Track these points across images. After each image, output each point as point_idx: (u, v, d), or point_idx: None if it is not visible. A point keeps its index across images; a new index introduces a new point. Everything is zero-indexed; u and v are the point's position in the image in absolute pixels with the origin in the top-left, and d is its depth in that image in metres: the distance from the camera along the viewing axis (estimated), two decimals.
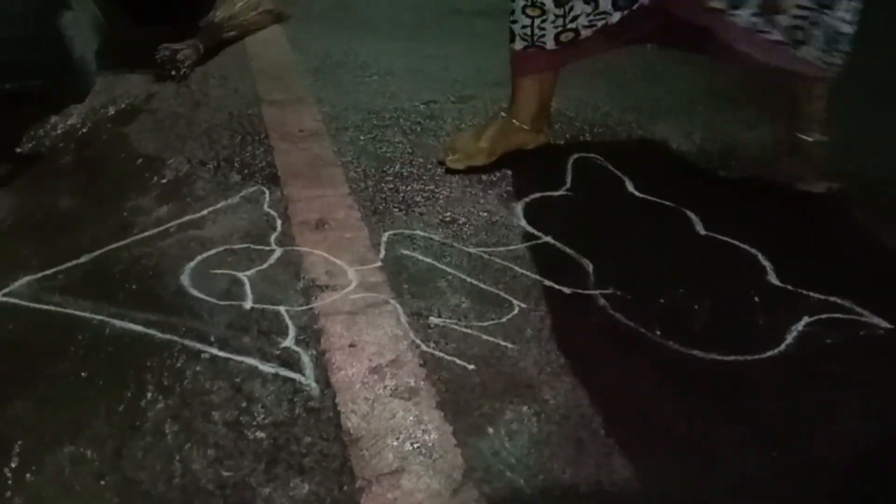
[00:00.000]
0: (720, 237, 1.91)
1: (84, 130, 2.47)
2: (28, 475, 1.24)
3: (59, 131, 2.43)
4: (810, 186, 2.11)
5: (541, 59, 2.15)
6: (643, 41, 2.36)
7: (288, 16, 3.62)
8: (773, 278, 1.77)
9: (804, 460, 1.30)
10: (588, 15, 2.05)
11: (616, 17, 2.05)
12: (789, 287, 1.73)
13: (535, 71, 2.20)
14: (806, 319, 1.63)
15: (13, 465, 1.26)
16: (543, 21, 2.05)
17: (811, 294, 1.71)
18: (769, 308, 1.67)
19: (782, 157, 2.19)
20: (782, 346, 1.56)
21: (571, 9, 2.02)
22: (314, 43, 3.31)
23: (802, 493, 1.25)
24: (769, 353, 1.54)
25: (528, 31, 2.08)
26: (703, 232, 1.94)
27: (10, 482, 1.23)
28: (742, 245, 1.88)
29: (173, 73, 2.85)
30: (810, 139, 2.12)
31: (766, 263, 1.81)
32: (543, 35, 2.08)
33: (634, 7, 2.03)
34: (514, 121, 2.27)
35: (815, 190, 2.11)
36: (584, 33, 2.09)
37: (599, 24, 2.07)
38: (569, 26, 2.06)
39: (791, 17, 1.92)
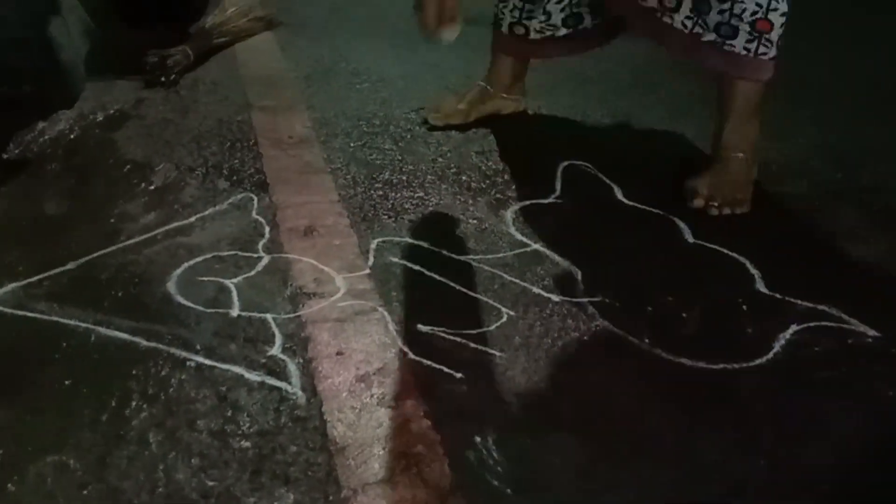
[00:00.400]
0: (709, 245, 1.92)
1: (72, 136, 2.46)
2: (9, 485, 1.23)
3: (46, 137, 2.42)
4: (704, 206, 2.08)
5: (499, 40, 2.52)
6: (596, 45, 2.59)
7: (279, 22, 3.62)
8: (761, 286, 1.77)
9: (794, 469, 1.30)
10: (540, 21, 2.38)
11: (562, 32, 2.40)
12: (777, 295, 1.73)
13: (497, 49, 2.55)
14: (794, 327, 1.63)
15: None
16: (504, 7, 2.43)
17: (799, 302, 1.71)
18: (757, 316, 1.67)
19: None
20: (770, 354, 1.56)
21: (531, 9, 2.36)
22: (305, 49, 3.30)
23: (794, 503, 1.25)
24: (757, 361, 1.54)
25: (495, 11, 2.48)
26: (691, 240, 1.94)
27: None
28: (730, 253, 1.88)
29: (163, 79, 2.84)
30: (734, 155, 2.11)
31: (754, 271, 1.82)
32: (502, 19, 2.46)
33: (580, 27, 2.39)
34: (489, 88, 2.58)
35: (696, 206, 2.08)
36: (533, 36, 2.42)
37: (547, 33, 2.41)
38: (522, 21, 2.41)
39: (717, 13, 1.97)
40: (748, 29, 1.97)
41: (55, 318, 1.60)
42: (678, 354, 1.55)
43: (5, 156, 2.32)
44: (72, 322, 1.60)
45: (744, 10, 1.94)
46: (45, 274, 1.75)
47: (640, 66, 3.14)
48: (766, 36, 1.97)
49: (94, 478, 1.25)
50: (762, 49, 1.99)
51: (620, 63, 3.21)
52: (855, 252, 1.91)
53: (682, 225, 1.99)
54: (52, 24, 2.41)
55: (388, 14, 3.92)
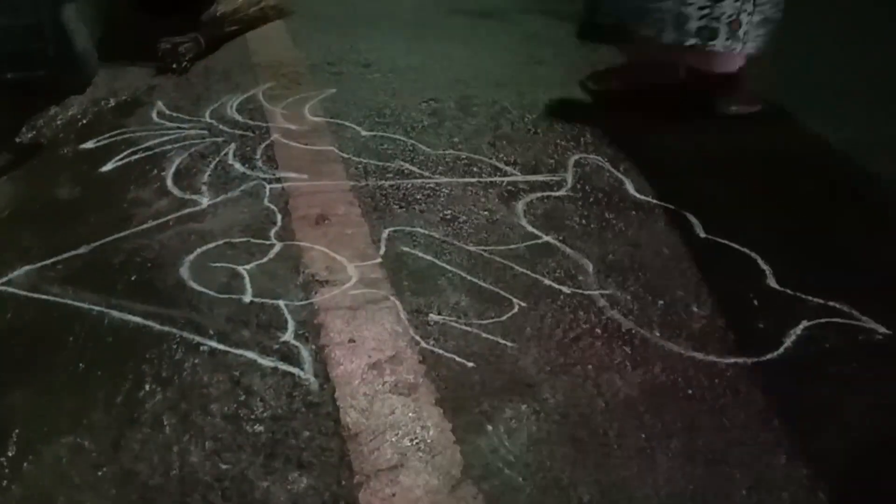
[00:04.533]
0: (720, 240, 1.91)
1: (84, 121, 2.46)
2: (26, 464, 1.24)
3: (59, 122, 2.43)
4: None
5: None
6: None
7: (291, 11, 3.62)
8: (772, 282, 1.77)
9: (807, 462, 1.30)
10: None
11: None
12: (788, 291, 1.73)
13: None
14: (805, 323, 1.63)
15: (10, 454, 1.26)
16: None
17: (810, 298, 1.71)
18: (768, 311, 1.67)
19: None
20: (781, 350, 1.56)
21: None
22: (317, 39, 3.30)
23: (812, 500, 1.25)
24: (768, 357, 1.54)
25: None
26: (703, 234, 1.94)
27: (7, 471, 1.23)
28: (742, 248, 1.88)
29: (174, 66, 2.85)
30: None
31: (765, 267, 1.81)
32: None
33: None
34: None
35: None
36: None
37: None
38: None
39: (696, 20, 2.41)
40: (726, 29, 2.40)
41: (69, 301, 1.62)
42: (689, 348, 1.56)
43: (18, 139, 2.33)
44: (85, 305, 1.61)
45: (722, 14, 2.39)
46: (59, 257, 1.76)
47: None
48: (737, 33, 2.43)
49: (108, 459, 1.26)
50: (734, 45, 2.45)
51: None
52: (867, 249, 1.91)
53: (693, 220, 1.99)
54: (65, 10, 2.42)
55: (397, 5, 3.93)
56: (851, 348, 1.58)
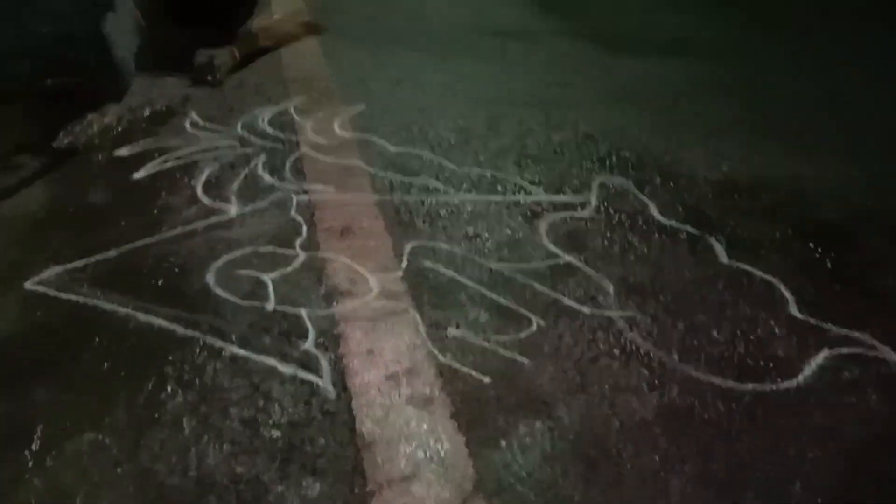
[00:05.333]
0: (743, 266, 1.91)
1: (119, 129, 2.52)
2: (48, 459, 1.27)
3: (95, 128, 2.49)
4: None
5: None
6: None
7: (324, 28, 3.69)
8: (794, 310, 1.76)
9: (827, 496, 1.29)
10: None
11: None
12: (810, 320, 1.72)
13: None
14: (825, 352, 1.62)
15: (34, 449, 1.29)
16: None
17: (832, 327, 1.70)
18: (789, 339, 1.66)
19: None
20: (800, 378, 1.55)
21: None
22: (348, 55, 3.36)
23: None
24: (787, 384, 1.53)
25: None
26: (725, 260, 1.94)
27: (30, 465, 1.26)
28: (764, 275, 1.88)
29: (209, 77, 2.91)
30: None
31: (787, 295, 1.81)
32: None
33: None
34: None
35: None
36: None
37: None
38: None
39: None
40: None
41: (97, 303, 1.65)
42: (707, 373, 1.55)
43: (55, 144, 2.39)
44: (112, 307, 1.64)
45: None
46: (89, 259, 1.80)
47: (681, 86, 3.14)
48: None
49: (128, 458, 1.28)
50: None
51: (661, 82, 3.22)
52: (889, 280, 1.89)
53: (716, 245, 1.99)
54: (106, 20, 2.49)
55: (428, 24, 3.98)
56: (872, 379, 1.56)
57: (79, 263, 1.79)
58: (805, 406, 1.48)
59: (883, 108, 2.97)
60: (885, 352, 1.63)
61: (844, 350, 1.63)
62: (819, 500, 1.28)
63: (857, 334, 1.67)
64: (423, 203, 2.13)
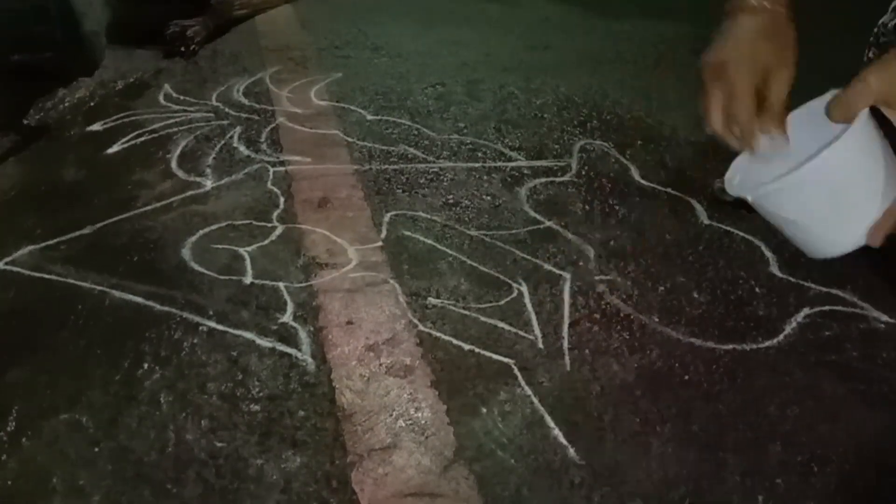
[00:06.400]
0: (723, 227, 1.90)
1: (92, 104, 2.48)
2: (24, 440, 1.26)
3: (66, 104, 2.44)
4: None
5: None
6: None
7: None
8: (775, 269, 1.76)
9: (804, 450, 1.29)
10: None
11: None
12: (791, 278, 1.72)
13: None
14: (806, 311, 1.62)
15: (9, 430, 1.27)
16: None
17: (812, 286, 1.69)
18: (770, 298, 1.66)
19: None
20: (781, 337, 1.55)
21: None
22: (325, 23, 3.30)
23: (806, 487, 1.24)
24: (767, 343, 1.53)
25: None
26: (706, 221, 1.93)
27: (5, 446, 1.24)
28: (745, 235, 1.87)
29: (182, 49, 2.85)
30: None
31: (768, 254, 1.80)
32: None
33: None
34: None
35: None
36: None
37: None
38: None
39: None
40: None
41: (71, 281, 1.63)
42: (688, 334, 1.55)
43: (26, 121, 2.34)
44: (87, 285, 1.62)
45: None
46: (62, 237, 1.77)
47: (662, 48, 3.11)
48: None
49: (105, 436, 1.27)
50: None
51: (642, 43, 3.18)
52: None
53: (697, 206, 1.98)
54: None
55: None
56: (852, 336, 1.56)
57: (52, 242, 1.75)
58: (786, 364, 1.48)
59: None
60: (867, 308, 1.63)
61: (825, 308, 1.63)
62: (799, 458, 1.28)
63: (837, 292, 1.67)
64: (401, 172, 2.10)
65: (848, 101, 0.63)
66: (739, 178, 0.79)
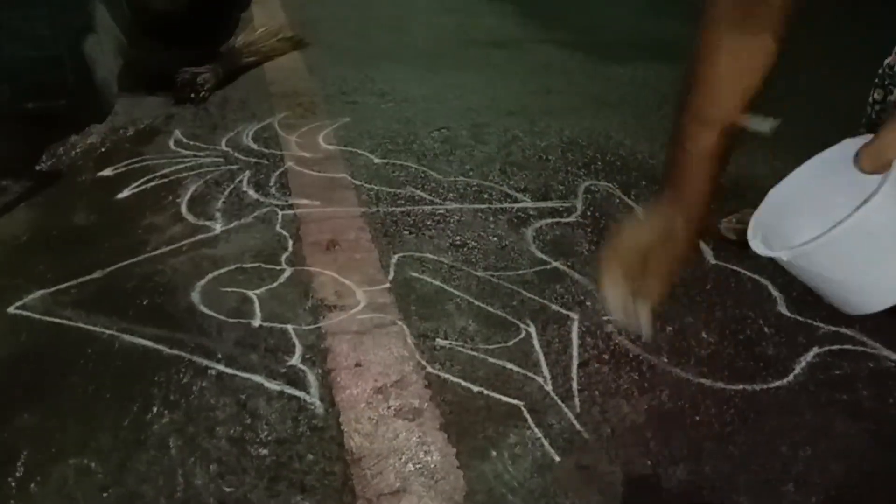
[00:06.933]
0: (730, 266, 1.91)
1: (103, 149, 2.51)
2: (32, 485, 1.25)
3: (78, 150, 2.48)
4: None
5: None
6: None
7: (307, 43, 3.69)
8: (783, 308, 1.76)
9: (816, 491, 1.28)
10: None
11: None
12: (799, 318, 1.72)
13: None
14: (815, 350, 1.62)
15: (18, 475, 1.27)
16: None
17: (821, 325, 1.69)
18: (778, 338, 1.66)
19: None
20: (791, 377, 1.54)
21: None
22: (332, 70, 3.36)
23: None
24: (777, 383, 1.53)
25: None
26: (712, 261, 1.94)
27: (14, 491, 1.24)
28: (753, 275, 1.87)
29: (192, 96, 2.91)
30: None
31: (776, 293, 1.80)
32: None
33: None
34: None
35: None
36: None
37: None
38: None
39: None
40: None
41: (81, 325, 1.64)
42: (697, 374, 1.54)
43: (38, 167, 2.38)
44: (97, 329, 1.63)
45: None
46: (73, 282, 1.78)
47: (665, 91, 3.15)
48: None
49: (114, 481, 1.26)
50: None
51: (643, 86, 3.23)
52: None
53: (704, 246, 1.99)
54: (86, 42, 2.48)
55: (412, 36, 3.99)
56: (862, 375, 1.55)
57: (63, 286, 1.77)
58: (796, 404, 1.48)
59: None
60: (876, 347, 1.63)
61: (834, 347, 1.63)
62: (813, 499, 1.27)
63: (846, 330, 1.67)
64: (408, 214, 2.12)
65: (880, 151, 0.61)
66: (762, 236, 0.75)
